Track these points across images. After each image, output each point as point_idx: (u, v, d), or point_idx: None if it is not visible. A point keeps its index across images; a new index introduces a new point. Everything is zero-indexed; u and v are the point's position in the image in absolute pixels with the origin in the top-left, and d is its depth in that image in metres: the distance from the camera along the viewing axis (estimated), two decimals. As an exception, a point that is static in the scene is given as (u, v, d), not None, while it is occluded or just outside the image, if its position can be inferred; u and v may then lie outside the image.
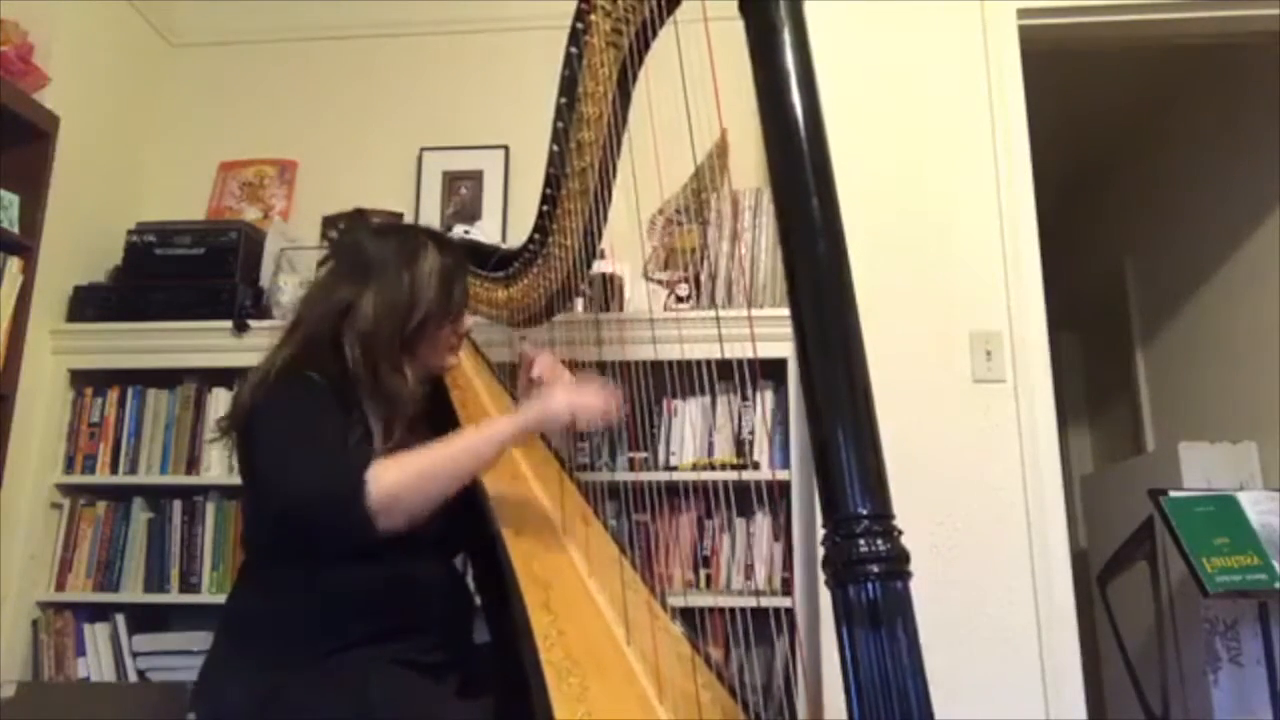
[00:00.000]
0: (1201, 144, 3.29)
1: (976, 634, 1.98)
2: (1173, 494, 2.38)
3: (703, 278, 2.28)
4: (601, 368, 1.72)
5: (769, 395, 2.24)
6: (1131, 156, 3.80)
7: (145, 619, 2.32)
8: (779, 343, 2.08)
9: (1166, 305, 3.58)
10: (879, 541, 0.92)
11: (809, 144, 1.02)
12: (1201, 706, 2.65)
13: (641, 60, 1.54)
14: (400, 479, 1.29)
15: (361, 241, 1.54)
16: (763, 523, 2.17)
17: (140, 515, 2.34)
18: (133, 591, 2.29)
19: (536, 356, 1.67)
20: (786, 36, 1.06)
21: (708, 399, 2.24)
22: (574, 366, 1.72)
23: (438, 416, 1.62)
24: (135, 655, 2.24)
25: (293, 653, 1.33)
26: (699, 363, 2.08)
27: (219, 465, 2.32)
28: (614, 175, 1.63)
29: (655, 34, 1.51)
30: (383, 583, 1.38)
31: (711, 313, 2.15)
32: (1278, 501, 2.35)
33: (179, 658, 2.22)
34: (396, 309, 1.43)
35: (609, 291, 2.26)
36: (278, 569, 1.40)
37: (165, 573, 2.29)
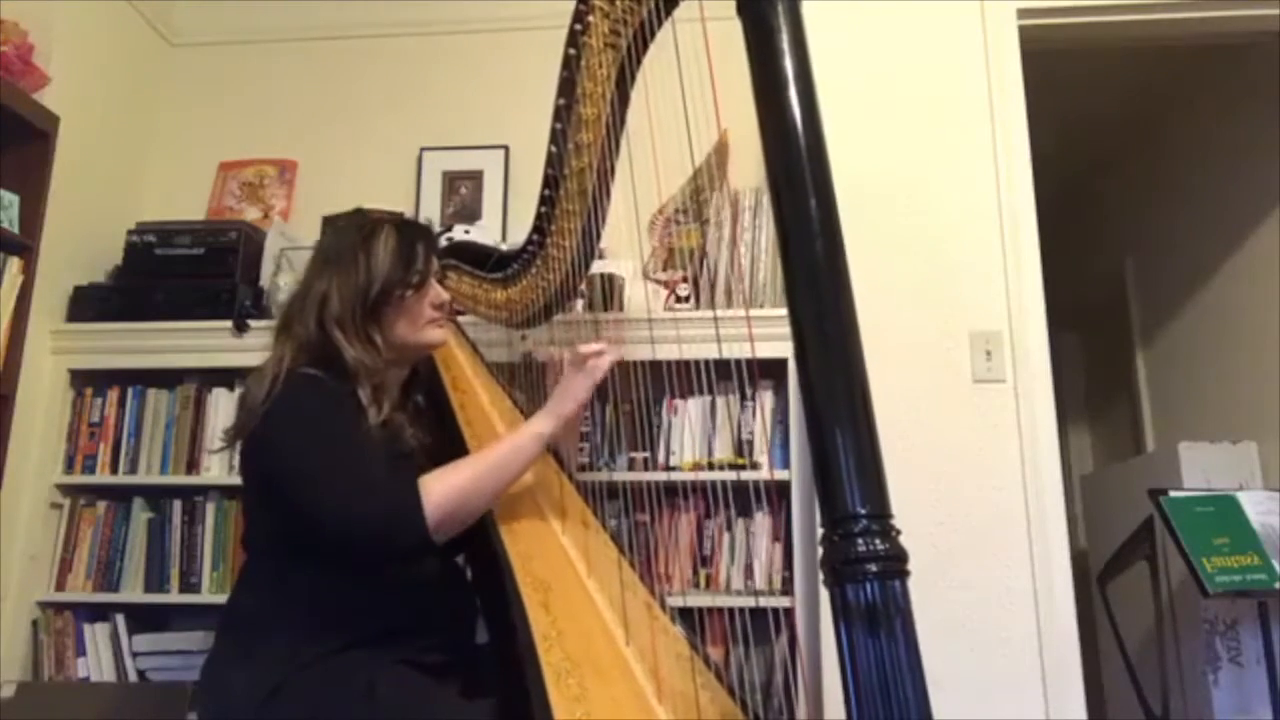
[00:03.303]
0: (1201, 144, 3.29)
1: (976, 634, 1.98)
2: (1173, 494, 2.38)
3: (703, 278, 2.28)
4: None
5: (769, 395, 2.23)
6: (1131, 156, 3.80)
7: (145, 619, 2.32)
8: (779, 342, 2.07)
9: (1166, 305, 3.58)
10: (877, 541, 0.92)
11: (806, 146, 1.02)
12: (1201, 706, 2.65)
13: (640, 61, 1.54)
14: (450, 493, 1.34)
15: (325, 238, 1.63)
16: (762, 523, 2.17)
17: (140, 515, 2.34)
18: (133, 591, 2.29)
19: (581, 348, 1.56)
20: (784, 39, 1.05)
21: (708, 399, 2.24)
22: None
23: (436, 418, 1.63)
24: (135, 655, 2.24)
25: (295, 651, 1.33)
26: (699, 363, 2.08)
27: (219, 465, 2.32)
28: (613, 176, 1.63)
29: (654, 35, 1.51)
30: (385, 583, 1.39)
31: (712, 313, 2.15)
32: (1278, 501, 2.35)
33: (179, 658, 2.22)
34: (357, 287, 1.46)
35: (609, 292, 2.26)
36: (280, 569, 1.41)
37: (165, 573, 2.29)
